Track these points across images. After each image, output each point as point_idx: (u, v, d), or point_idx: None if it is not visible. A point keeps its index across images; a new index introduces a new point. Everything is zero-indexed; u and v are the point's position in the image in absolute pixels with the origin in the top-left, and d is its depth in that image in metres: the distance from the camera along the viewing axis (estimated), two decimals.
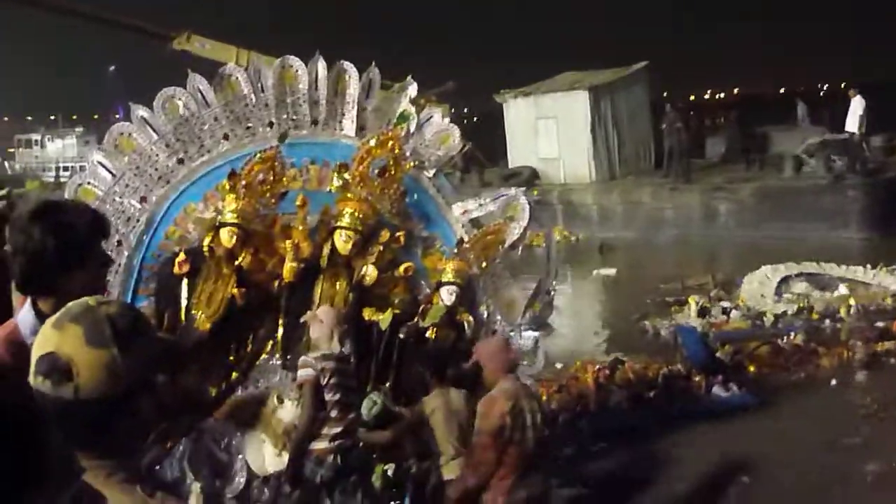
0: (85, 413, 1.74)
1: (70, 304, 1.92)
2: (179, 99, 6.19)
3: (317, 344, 5.42)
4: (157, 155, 6.19)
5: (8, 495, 0.92)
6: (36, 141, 54.04)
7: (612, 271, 17.05)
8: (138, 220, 6.15)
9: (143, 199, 6.17)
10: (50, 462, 0.98)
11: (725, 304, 13.69)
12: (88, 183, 6.13)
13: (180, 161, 6.23)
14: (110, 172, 6.14)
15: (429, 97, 6.76)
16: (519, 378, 5.37)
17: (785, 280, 14.34)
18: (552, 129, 24.40)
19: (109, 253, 5.90)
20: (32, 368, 1.83)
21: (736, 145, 25.26)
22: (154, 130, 6.18)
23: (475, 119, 32.98)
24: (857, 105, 19.80)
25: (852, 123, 19.83)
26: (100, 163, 6.15)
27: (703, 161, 24.88)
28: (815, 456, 7.53)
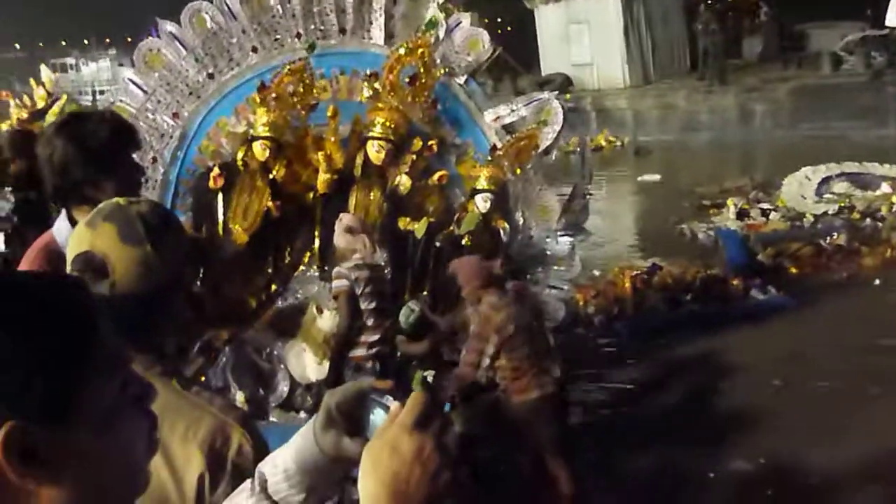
0: (121, 309, 1.77)
1: (101, 204, 1.95)
2: (206, 13, 6.13)
3: (343, 254, 5.47)
4: (186, 70, 6.17)
5: (62, 377, 0.95)
6: (71, 65, 54.03)
7: (656, 177, 16.86)
8: (171, 136, 6.18)
9: (175, 115, 6.18)
10: (102, 347, 1.01)
11: (764, 205, 13.56)
12: (120, 101, 6.16)
13: (210, 75, 6.21)
14: (142, 90, 6.15)
15: (457, 3, 6.63)
16: (505, 289, 5.46)
17: (826, 180, 14.13)
18: (584, 33, 24.01)
19: (145, 166, 6.06)
20: (68, 268, 1.86)
21: (773, 44, 24.76)
22: (182, 45, 6.16)
23: (508, 28, 32.26)
24: None
25: (893, 18, 19.31)
26: (131, 80, 6.17)
27: (740, 61, 24.42)
28: (854, 357, 7.47)
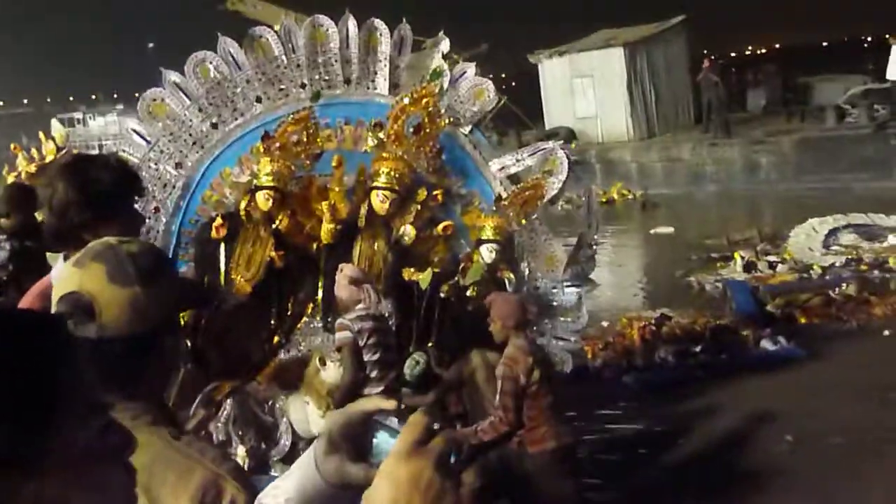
0: (109, 353, 1.69)
1: (91, 243, 1.87)
2: (210, 62, 6.13)
3: (346, 305, 5.39)
4: (190, 120, 6.14)
5: (34, 422, 0.86)
6: (78, 119, 54.49)
7: (669, 230, 16.80)
8: (175, 186, 6.12)
9: (178, 165, 6.13)
10: (74, 391, 0.93)
11: (772, 258, 13.51)
12: (123, 151, 6.12)
13: (214, 125, 6.17)
14: (145, 139, 6.12)
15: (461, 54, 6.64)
16: (528, 335, 5.43)
17: (833, 232, 14.11)
18: (588, 87, 24.15)
19: (147, 216, 6.01)
20: (53, 308, 1.78)
21: (777, 97, 24.92)
22: (186, 95, 6.14)
23: (512, 83, 32.46)
24: None
25: (894, 71, 19.47)
26: (134, 130, 6.14)
27: (744, 114, 24.51)
28: (867, 410, 7.32)
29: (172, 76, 6.13)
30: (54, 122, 9.01)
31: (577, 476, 5.52)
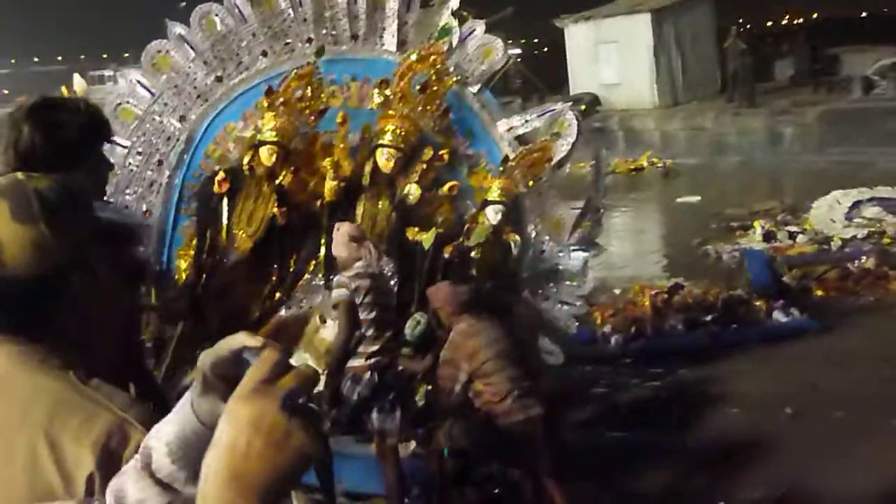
0: (13, 292, 1.63)
1: None
2: (216, 15, 6.09)
3: (345, 263, 5.34)
4: (195, 73, 6.13)
5: None
6: (109, 76, 54.41)
7: (695, 199, 16.61)
8: (178, 140, 6.12)
9: (182, 118, 6.13)
10: None
11: (792, 228, 13.32)
12: (127, 102, 6.09)
13: (218, 79, 6.15)
14: (149, 91, 6.08)
15: (471, 12, 6.52)
16: (480, 315, 5.32)
17: (856, 204, 13.83)
18: (613, 53, 23.87)
19: (150, 170, 5.99)
20: None
21: (805, 68, 24.53)
22: (192, 48, 6.10)
23: (545, 49, 32.05)
24: None
25: None
26: (138, 81, 6.10)
27: (771, 84, 24.17)
28: (870, 386, 7.21)
29: (178, 28, 6.09)
30: (76, 77, 8.97)
31: (557, 443, 5.45)
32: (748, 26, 37.70)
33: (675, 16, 24.15)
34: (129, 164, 6.07)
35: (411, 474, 5.40)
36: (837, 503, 5.44)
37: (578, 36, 24.99)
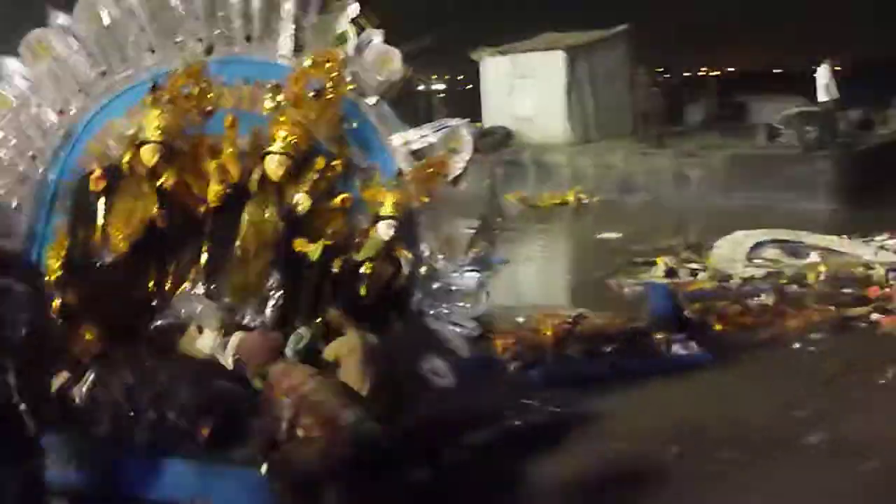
0: None
1: None
2: (103, 6, 5.85)
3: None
4: (77, 65, 5.88)
5: None
6: None
7: (615, 235, 16.70)
8: (55, 134, 5.86)
9: (60, 112, 5.87)
10: None
11: (694, 265, 13.49)
12: (2, 91, 5.81)
13: (102, 73, 5.94)
14: (27, 80, 5.79)
15: (371, 18, 6.39)
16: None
17: (757, 245, 14.12)
18: (529, 88, 24.01)
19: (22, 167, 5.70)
20: None
21: (713, 113, 25.08)
22: (75, 38, 5.84)
23: (468, 85, 31.86)
24: (822, 74, 19.78)
25: (822, 93, 19.76)
26: (15, 71, 5.80)
27: (681, 128, 24.61)
28: (762, 425, 7.08)
29: (60, 17, 5.83)
30: None
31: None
32: (666, 75, 38.45)
33: (589, 55, 24.42)
34: (1, 155, 5.81)
35: None
36: None
37: (495, 69, 25.10)
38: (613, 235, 16.45)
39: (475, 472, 6.17)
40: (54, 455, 5.14)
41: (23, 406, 4.26)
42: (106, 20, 5.84)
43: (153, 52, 5.94)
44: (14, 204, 5.83)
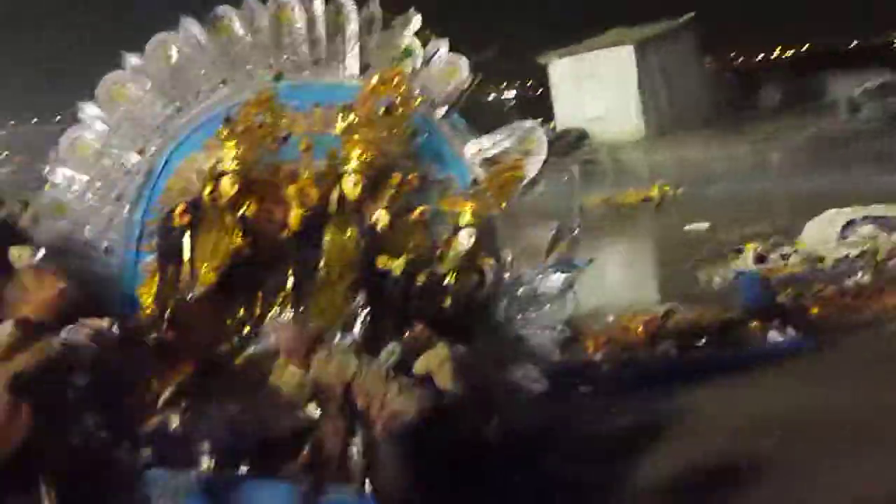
0: None
1: None
2: (173, 44, 5.97)
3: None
4: (152, 104, 6.00)
5: None
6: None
7: (703, 225, 16.48)
8: (137, 173, 5.98)
9: (140, 151, 5.98)
10: None
11: (784, 250, 13.21)
12: (84, 136, 5.98)
13: (178, 110, 6.03)
14: (106, 125, 5.94)
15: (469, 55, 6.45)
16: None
17: (850, 223, 13.73)
18: (598, 87, 23.88)
19: (108, 204, 5.83)
20: None
21: (790, 93, 24.61)
22: (148, 78, 5.97)
23: (539, 90, 31.85)
24: None
25: None
26: (94, 115, 5.96)
27: (757, 111, 24.19)
28: (863, 406, 6.80)
29: (133, 59, 5.96)
30: None
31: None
32: (738, 59, 37.74)
33: (658, 47, 24.23)
34: (88, 198, 5.94)
35: None
36: None
37: (563, 71, 25.06)
38: (702, 226, 16.20)
39: (572, 474, 6.10)
40: (163, 493, 5.30)
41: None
42: (175, 58, 5.96)
43: (225, 83, 6.04)
44: (104, 246, 5.96)
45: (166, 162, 6.01)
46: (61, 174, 6.01)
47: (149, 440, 5.46)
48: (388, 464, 4.85)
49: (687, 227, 16.48)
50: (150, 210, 5.99)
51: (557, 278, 6.38)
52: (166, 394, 5.62)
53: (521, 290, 6.33)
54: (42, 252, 5.67)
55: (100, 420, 4.50)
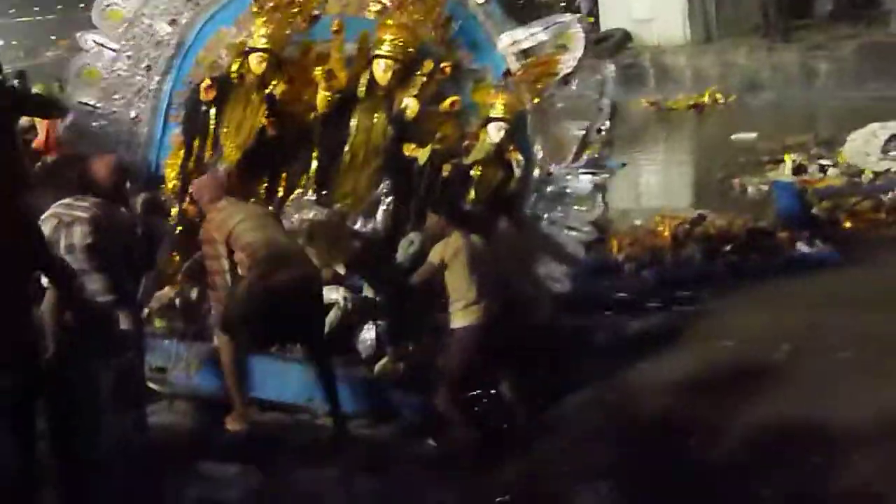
0: None
1: None
2: None
3: None
4: None
5: None
6: None
7: (752, 135, 16.14)
8: (168, 44, 5.98)
9: (172, 22, 5.96)
10: None
11: (824, 162, 12.97)
12: (115, 4, 5.96)
13: None
14: None
15: None
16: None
17: (893, 138, 13.43)
18: None
19: (138, 73, 5.86)
20: None
21: (844, 2, 23.74)
22: None
23: None
24: None
25: None
26: None
27: (809, 20, 23.42)
28: (886, 325, 6.55)
29: None
30: None
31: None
32: None
33: None
34: (118, 68, 5.97)
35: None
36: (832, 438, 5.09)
37: None
38: (749, 136, 15.87)
39: (590, 373, 6.14)
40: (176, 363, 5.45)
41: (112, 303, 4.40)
42: None
43: None
44: (132, 115, 6.00)
45: (197, 34, 5.99)
46: (91, 41, 6.03)
47: (163, 312, 5.62)
48: None
49: (734, 137, 16.15)
50: (179, 81, 6.00)
51: (587, 179, 6.27)
52: (184, 267, 5.74)
53: (549, 188, 6.25)
54: (71, 116, 5.77)
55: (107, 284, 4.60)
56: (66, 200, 4.70)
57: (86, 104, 5.99)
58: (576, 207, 6.31)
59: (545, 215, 6.29)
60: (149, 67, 5.95)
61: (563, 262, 6.30)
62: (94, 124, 5.95)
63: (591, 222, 6.41)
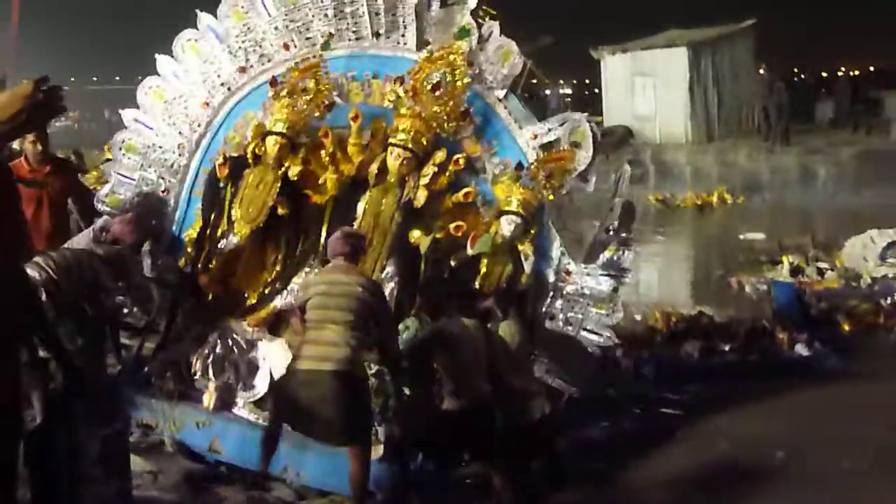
0: None
1: None
2: (241, 7, 6.28)
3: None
4: (220, 62, 6.35)
5: None
6: None
7: (760, 236, 16.37)
8: (200, 125, 6.36)
9: (206, 104, 6.35)
10: None
11: (822, 264, 13.17)
12: (157, 86, 6.41)
13: (242, 69, 6.34)
14: (178, 77, 6.38)
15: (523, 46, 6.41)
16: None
17: (891, 245, 13.65)
18: (649, 87, 23.72)
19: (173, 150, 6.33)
20: None
21: (845, 109, 24.24)
22: (217, 38, 6.32)
23: (595, 89, 31.23)
24: None
25: None
26: (169, 68, 6.41)
27: (810, 125, 23.92)
28: (884, 437, 6.47)
29: (207, 18, 6.33)
30: None
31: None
32: (801, 74, 36.88)
33: (713, 51, 23.96)
34: (154, 144, 6.43)
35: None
36: None
37: (615, 67, 24.88)
38: (758, 236, 16.07)
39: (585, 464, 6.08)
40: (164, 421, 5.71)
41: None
42: (244, 20, 6.27)
43: (287, 48, 6.25)
44: (163, 188, 6.43)
45: (227, 116, 6.37)
46: (132, 117, 6.48)
47: (158, 371, 5.83)
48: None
49: (742, 236, 16.35)
50: (206, 159, 6.36)
51: (606, 281, 6.23)
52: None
53: (569, 287, 6.25)
54: (109, 185, 6.44)
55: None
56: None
57: (124, 175, 6.46)
58: (594, 310, 6.25)
59: (561, 315, 6.26)
60: (181, 146, 6.37)
61: (576, 364, 6.25)
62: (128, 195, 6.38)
63: (610, 326, 6.33)
